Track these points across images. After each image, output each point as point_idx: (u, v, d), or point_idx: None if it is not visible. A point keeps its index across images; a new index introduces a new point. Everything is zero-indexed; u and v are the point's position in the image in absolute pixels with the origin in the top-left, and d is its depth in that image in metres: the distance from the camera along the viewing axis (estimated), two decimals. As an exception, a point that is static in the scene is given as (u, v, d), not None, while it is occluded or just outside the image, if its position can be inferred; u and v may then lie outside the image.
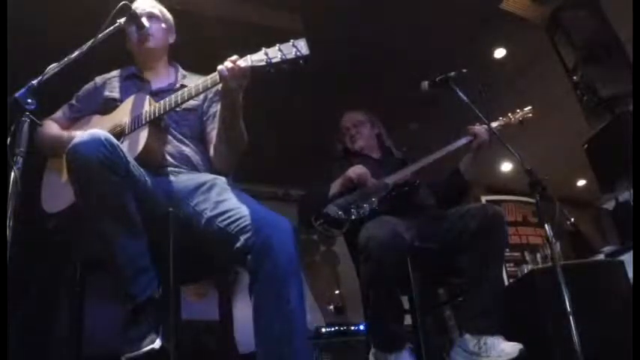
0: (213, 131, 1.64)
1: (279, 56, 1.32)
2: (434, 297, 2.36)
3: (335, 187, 2.09)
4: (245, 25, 3.15)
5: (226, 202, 1.40)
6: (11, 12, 1.78)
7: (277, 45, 1.33)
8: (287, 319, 1.20)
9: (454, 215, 2.01)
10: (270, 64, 1.33)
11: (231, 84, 1.37)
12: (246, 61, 1.36)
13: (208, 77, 1.44)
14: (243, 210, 1.34)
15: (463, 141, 2.21)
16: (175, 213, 1.44)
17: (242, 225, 1.29)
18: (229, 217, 1.33)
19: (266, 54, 1.33)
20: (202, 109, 1.72)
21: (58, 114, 1.80)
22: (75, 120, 1.78)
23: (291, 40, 1.33)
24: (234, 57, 1.38)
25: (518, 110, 2.35)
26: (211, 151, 1.63)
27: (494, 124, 2.25)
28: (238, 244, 1.28)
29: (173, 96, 1.50)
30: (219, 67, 1.38)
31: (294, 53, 1.31)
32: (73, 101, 1.81)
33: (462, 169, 2.23)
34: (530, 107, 2.35)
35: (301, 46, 1.32)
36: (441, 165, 2.22)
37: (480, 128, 2.18)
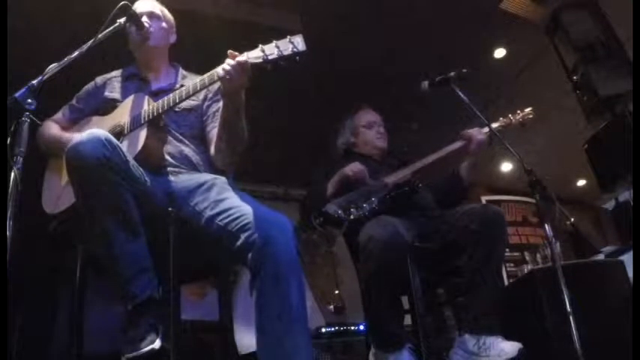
0: (213, 130, 1.63)
1: (276, 53, 1.30)
2: (434, 297, 2.36)
3: (332, 185, 2.08)
4: (245, 24, 3.15)
5: (226, 201, 1.40)
6: (11, 12, 1.78)
7: (274, 41, 1.31)
8: (288, 316, 1.20)
9: (454, 215, 2.00)
10: (267, 61, 1.31)
11: (232, 82, 1.35)
12: (243, 58, 1.35)
13: (206, 75, 1.43)
14: (244, 208, 1.34)
15: (457, 144, 2.18)
16: (175, 213, 1.44)
17: (242, 223, 1.30)
18: (229, 216, 1.34)
19: (263, 51, 1.32)
20: (202, 109, 1.72)
21: (59, 115, 1.80)
22: (75, 120, 1.78)
23: (288, 37, 1.31)
24: (234, 52, 1.36)
25: (518, 111, 2.33)
26: (212, 150, 1.62)
27: (494, 125, 2.25)
28: (239, 243, 1.28)
29: (172, 95, 1.50)
30: (219, 68, 1.37)
31: (290, 49, 1.29)
32: (74, 102, 1.81)
33: (463, 173, 2.22)
34: (530, 108, 2.33)
35: (298, 42, 1.30)
36: (441, 166, 2.22)
37: (473, 131, 2.15)
